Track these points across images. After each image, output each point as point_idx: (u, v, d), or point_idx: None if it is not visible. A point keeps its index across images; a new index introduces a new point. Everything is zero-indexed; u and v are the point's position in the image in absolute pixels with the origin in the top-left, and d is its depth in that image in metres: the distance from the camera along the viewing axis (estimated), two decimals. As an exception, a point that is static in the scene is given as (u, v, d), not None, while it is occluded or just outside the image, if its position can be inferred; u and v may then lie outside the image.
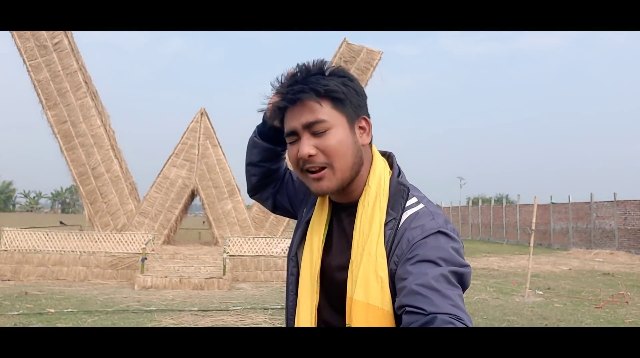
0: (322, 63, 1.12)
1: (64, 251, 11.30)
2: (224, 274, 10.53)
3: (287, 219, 14.26)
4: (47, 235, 11.61)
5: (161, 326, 6.98)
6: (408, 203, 1.10)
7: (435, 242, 1.01)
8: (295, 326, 1.21)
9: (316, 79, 1.08)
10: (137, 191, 14.65)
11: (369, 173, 1.14)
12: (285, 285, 1.34)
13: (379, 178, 1.12)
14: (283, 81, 1.12)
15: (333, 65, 1.13)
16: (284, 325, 1.33)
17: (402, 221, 1.07)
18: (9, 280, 10.84)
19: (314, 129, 1.07)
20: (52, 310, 7.62)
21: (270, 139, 1.30)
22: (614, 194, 22.44)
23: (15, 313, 7.37)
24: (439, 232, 1.02)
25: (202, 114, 14.47)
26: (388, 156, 1.22)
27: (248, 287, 10.82)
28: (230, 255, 11.49)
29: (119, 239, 11.95)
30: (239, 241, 12.00)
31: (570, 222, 24.93)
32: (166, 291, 10.02)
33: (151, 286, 10.32)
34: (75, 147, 13.55)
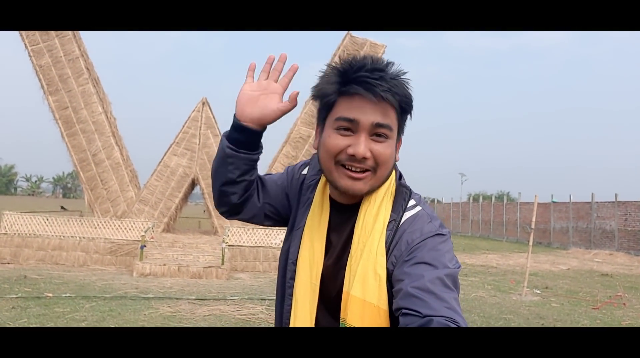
0: (385, 61, 1.08)
1: (64, 236, 11.33)
2: (222, 264, 10.55)
3: (287, 210, 14.28)
4: (47, 219, 11.63)
5: (158, 313, 6.99)
6: (408, 205, 1.11)
7: (433, 245, 1.02)
8: (293, 320, 1.17)
9: (401, 85, 1.05)
10: (138, 179, 14.66)
11: None
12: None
13: (389, 182, 1.13)
14: (360, 67, 1.05)
15: (404, 73, 1.08)
16: None
17: (401, 222, 1.08)
18: (8, 263, 10.88)
19: (379, 131, 1.05)
20: (50, 295, 7.65)
21: (248, 146, 1.15)
22: (615, 194, 22.40)
23: (14, 296, 7.40)
24: (437, 235, 1.04)
25: (203, 103, 14.43)
26: None
27: (246, 277, 10.85)
28: (229, 245, 11.50)
29: (119, 226, 11.97)
30: (238, 231, 12.01)
31: (570, 221, 24.92)
32: (164, 279, 10.06)
33: (149, 274, 10.35)
34: (77, 133, 13.54)
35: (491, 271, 13.47)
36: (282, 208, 1.30)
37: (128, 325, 6.15)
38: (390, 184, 1.13)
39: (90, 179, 13.76)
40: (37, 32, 13.04)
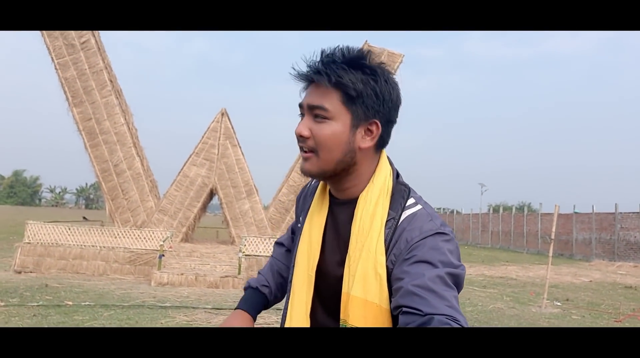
0: (361, 54, 1.08)
1: (85, 246, 11.54)
2: (239, 273, 10.61)
3: (304, 221, 14.32)
4: (69, 229, 11.87)
5: (175, 322, 7.06)
6: (407, 204, 1.10)
7: (433, 243, 1.01)
8: (288, 319, 1.18)
9: (336, 67, 1.05)
10: (158, 189, 14.87)
11: (373, 173, 1.13)
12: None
13: (384, 178, 1.12)
14: (316, 56, 1.10)
15: (377, 61, 1.09)
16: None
17: (400, 220, 1.07)
18: (31, 272, 11.12)
19: (315, 112, 1.07)
20: (70, 303, 7.80)
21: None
22: (640, 205, 21.89)
23: (35, 304, 7.56)
24: (437, 233, 1.03)
25: (222, 114, 14.63)
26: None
27: (262, 287, 10.88)
28: (245, 255, 11.57)
29: (138, 235, 12.15)
30: (255, 241, 12.07)
31: (593, 232, 24.37)
32: (182, 288, 10.15)
33: (167, 283, 10.46)
34: (99, 144, 13.84)
35: (510, 283, 13.24)
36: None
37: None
38: (386, 182, 1.12)
39: (111, 189, 14.02)
40: (63, 46, 13.44)
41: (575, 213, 25.95)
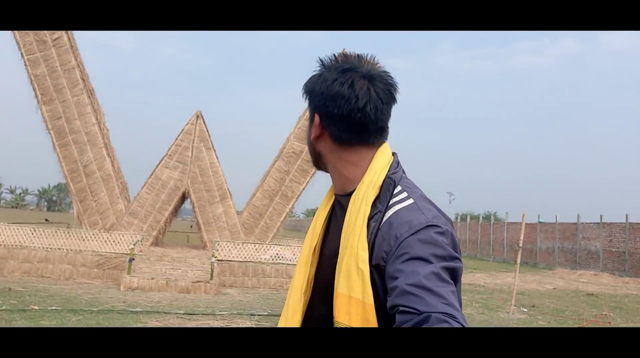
0: (325, 57, 1.12)
1: (50, 249, 11.19)
2: (211, 278, 10.49)
3: (278, 225, 14.27)
4: (34, 231, 11.49)
5: (146, 327, 6.92)
6: (397, 198, 1.07)
7: (425, 237, 0.97)
8: (287, 300, 1.20)
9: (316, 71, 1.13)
10: (128, 191, 14.57)
11: (365, 171, 1.11)
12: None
13: (373, 174, 1.09)
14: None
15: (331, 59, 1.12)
16: None
17: (387, 214, 1.04)
18: (-8, 275, 10.71)
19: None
20: (36, 307, 7.54)
21: None
22: (600, 216, 22.73)
23: (-1, 308, 7.29)
24: (428, 226, 0.99)
25: (197, 116, 14.47)
26: (392, 155, 1.19)
27: (235, 293, 10.78)
28: (218, 260, 11.45)
29: (107, 238, 11.86)
30: (228, 246, 11.96)
31: (556, 242, 25.16)
32: (152, 293, 9.95)
33: (137, 288, 10.23)
34: (69, 143, 13.48)
35: (479, 290, 13.54)
36: None
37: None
38: (375, 177, 1.09)
39: (80, 190, 13.66)
40: (34, 42, 13.05)
41: (540, 222, 26.73)
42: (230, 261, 11.75)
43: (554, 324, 8.85)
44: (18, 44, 13.01)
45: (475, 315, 9.32)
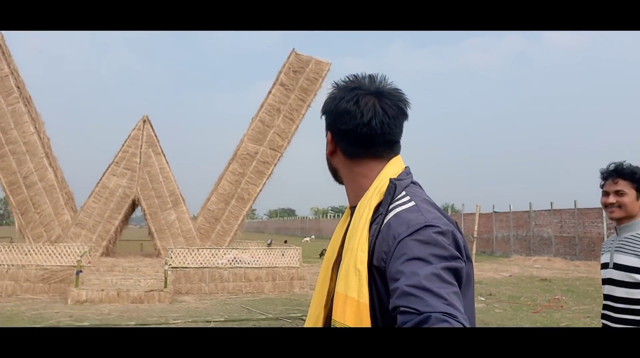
0: (338, 81, 1.21)
1: (-10, 265, 10.52)
2: (165, 287, 10.13)
3: (234, 229, 13.96)
4: (-28, 247, 10.78)
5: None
6: (398, 201, 1.09)
7: (424, 238, 0.99)
8: (308, 313, 1.24)
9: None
10: (74, 201, 13.93)
11: (372, 183, 1.16)
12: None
13: (379, 181, 1.14)
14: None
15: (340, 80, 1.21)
16: None
17: (388, 217, 1.07)
18: None
19: None
20: (-29, 329, 7.04)
21: None
22: (551, 203, 23.55)
23: None
24: (427, 226, 1.00)
25: (144, 121, 13.96)
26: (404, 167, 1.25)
27: (191, 300, 10.46)
28: (172, 267, 11.08)
29: (52, 251, 11.27)
30: (182, 253, 11.60)
31: (511, 230, 25.91)
32: (102, 306, 9.52)
33: (86, 301, 9.77)
34: (6, 154, 12.73)
35: (438, 282, 13.70)
36: None
37: None
38: (381, 182, 1.13)
39: (21, 203, 12.93)
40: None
41: (495, 212, 27.48)
42: (186, 268, 11.40)
43: (509, 311, 9.02)
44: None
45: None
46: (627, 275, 2.28)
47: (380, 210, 1.09)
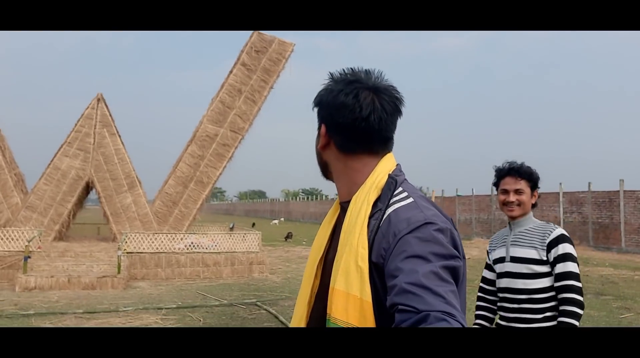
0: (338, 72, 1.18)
1: None
2: (118, 272, 9.87)
3: (193, 214, 13.69)
4: None
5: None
6: (397, 197, 1.09)
7: (424, 235, 0.99)
8: (294, 310, 1.23)
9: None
10: (25, 183, 13.38)
11: (367, 177, 1.14)
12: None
13: (376, 176, 1.13)
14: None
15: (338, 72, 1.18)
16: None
17: (387, 212, 1.06)
18: None
19: None
20: None
21: None
22: (512, 187, 24.14)
23: None
24: (427, 223, 1.00)
25: (98, 99, 13.39)
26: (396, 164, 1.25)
27: (146, 286, 10.24)
28: (127, 252, 10.80)
29: (1, 236, 10.81)
30: (138, 238, 11.31)
31: (473, 213, 26.48)
32: (52, 293, 9.22)
33: (35, 288, 9.45)
34: (-52, 134, 12.04)
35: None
36: None
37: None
38: (376, 180, 1.12)
39: (-35, 185, 12.30)
40: None
41: (458, 196, 27.98)
42: (141, 253, 11.13)
43: (463, 294, 9.17)
44: None
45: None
46: (525, 266, 2.44)
47: (378, 205, 1.08)
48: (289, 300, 8.68)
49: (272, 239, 22.45)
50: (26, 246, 10.11)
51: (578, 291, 2.32)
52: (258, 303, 8.34)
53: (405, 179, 1.17)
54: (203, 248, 11.73)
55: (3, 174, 12.55)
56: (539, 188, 2.54)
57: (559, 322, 2.31)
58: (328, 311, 1.05)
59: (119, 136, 13.45)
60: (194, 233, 12.77)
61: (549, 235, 2.43)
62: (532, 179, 2.49)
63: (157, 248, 11.33)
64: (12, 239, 10.81)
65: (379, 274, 1.02)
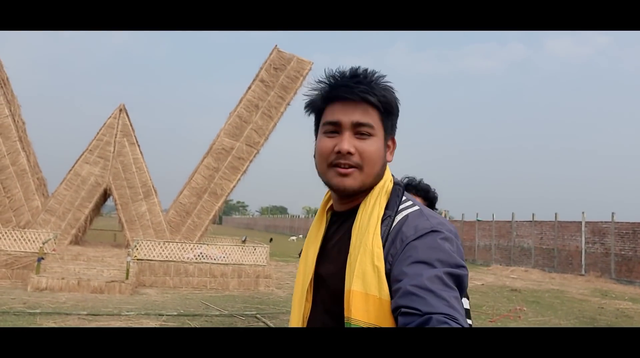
0: (378, 74, 1.16)
1: (-47, 248, 10.43)
2: (126, 278, 10.06)
3: (206, 224, 13.89)
4: None
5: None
6: (404, 205, 1.13)
7: (430, 242, 1.01)
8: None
9: (378, 87, 1.13)
10: (46, 187, 13.82)
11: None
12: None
13: (383, 182, 1.16)
14: (341, 76, 1.14)
15: (387, 81, 1.17)
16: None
17: (396, 220, 1.09)
18: None
19: (361, 130, 1.12)
20: None
21: None
22: (532, 214, 23.61)
23: None
24: (433, 231, 1.03)
25: (120, 110, 13.85)
26: None
27: (153, 293, 10.40)
28: (137, 259, 11.02)
29: (19, 237, 11.19)
30: (149, 245, 11.53)
31: (493, 239, 25.97)
32: (61, 294, 9.45)
33: (46, 288, 9.70)
34: (-23, 137, 12.61)
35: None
36: None
37: None
38: (385, 183, 1.16)
39: (-9, 187, 12.81)
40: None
41: (478, 220, 27.52)
42: (151, 260, 11.33)
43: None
44: None
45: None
46: None
47: (387, 212, 1.11)
48: (289, 314, 8.67)
49: (287, 255, 22.49)
50: (40, 248, 10.43)
51: None
52: (258, 316, 8.37)
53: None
54: (212, 258, 11.86)
55: (26, 178, 13.03)
56: (437, 209, 2.43)
57: None
58: (346, 315, 1.04)
59: (138, 145, 13.85)
60: (205, 244, 12.93)
61: None
62: (428, 197, 2.39)
63: (166, 257, 11.52)
64: (29, 240, 11.17)
65: (388, 279, 1.03)
